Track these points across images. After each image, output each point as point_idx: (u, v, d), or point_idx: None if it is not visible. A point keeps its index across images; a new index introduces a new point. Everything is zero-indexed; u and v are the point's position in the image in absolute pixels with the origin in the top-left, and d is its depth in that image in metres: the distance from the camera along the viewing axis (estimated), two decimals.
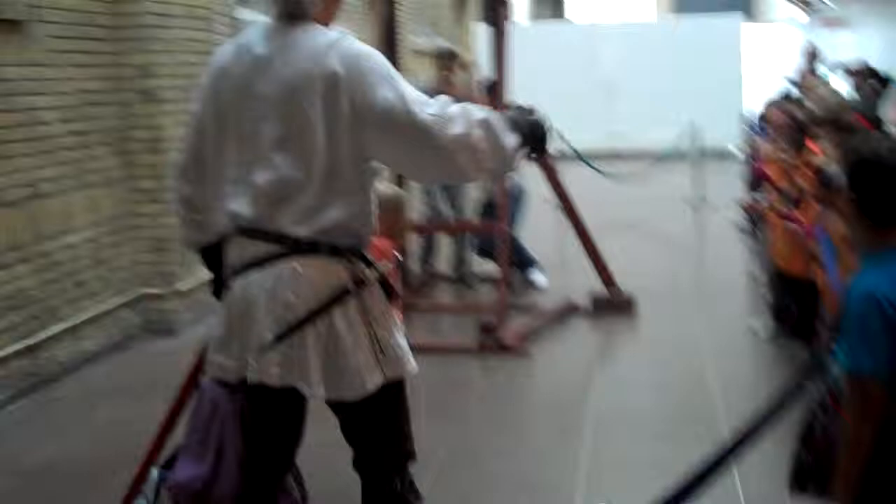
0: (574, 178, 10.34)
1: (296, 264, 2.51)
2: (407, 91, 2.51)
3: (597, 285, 6.89)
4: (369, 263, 2.61)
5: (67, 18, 5.71)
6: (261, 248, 2.55)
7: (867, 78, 9.35)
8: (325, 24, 2.63)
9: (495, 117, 2.55)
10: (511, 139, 2.57)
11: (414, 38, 13.61)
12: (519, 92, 7.61)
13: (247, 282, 2.57)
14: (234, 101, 2.60)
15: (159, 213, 6.34)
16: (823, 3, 19.98)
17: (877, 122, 6.00)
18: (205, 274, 2.98)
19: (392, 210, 3.97)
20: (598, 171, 10.18)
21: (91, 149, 5.92)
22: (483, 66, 7.25)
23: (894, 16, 15.29)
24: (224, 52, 2.71)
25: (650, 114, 16.34)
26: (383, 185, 4.14)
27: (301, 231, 2.51)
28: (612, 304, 6.78)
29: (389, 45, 7.05)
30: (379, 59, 2.56)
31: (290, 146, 2.51)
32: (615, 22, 23.15)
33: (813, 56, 11.56)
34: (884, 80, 9.59)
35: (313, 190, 2.50)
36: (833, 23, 18.54)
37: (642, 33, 18.15)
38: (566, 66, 16.39)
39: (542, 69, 15.36)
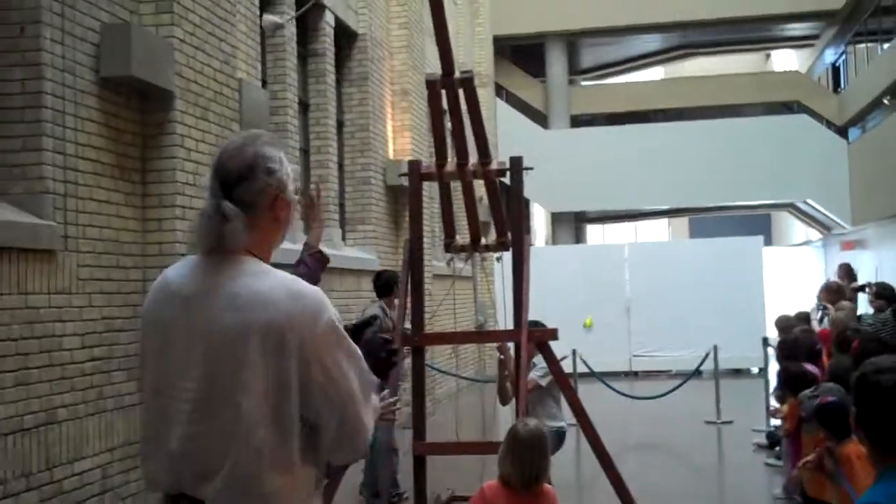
0: (595, 397, 10.35)
1: None
2: (355, 366, 2.28)
3: None
4: None
5: (98, 248, 5.80)
6: None
7: (883, 298, 9.39)
8: (264, 255, 2.30)
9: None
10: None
11: (437, 262, 13.98)
12: (538, 313, 7.74)
13: None
14: (156, 350, 2.27)
15: None
16: (840, 225, 20.41)
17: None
18: None
19: (533, 451, 3.18)
20: (619, 392, 10.18)
21: (109, 374, 5.89)
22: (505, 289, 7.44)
23: None
24: (153, 291, 2.36)
25: (672, 333, 16.46)
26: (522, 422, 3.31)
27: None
28: None
29: (415, 268, 7.29)
30: (329, 312, 2.23)
31: (214, 410, 2.15)
32: (636, 241, 23.54)
33: (847, 274, 11.54)
34: None
35: (241, 460, 2.13)
36: (850, 244, 18.89)
37: (664, 253, 18.46)
38: (586, 287, 16.61)
39: (562, 290, 15.59)
